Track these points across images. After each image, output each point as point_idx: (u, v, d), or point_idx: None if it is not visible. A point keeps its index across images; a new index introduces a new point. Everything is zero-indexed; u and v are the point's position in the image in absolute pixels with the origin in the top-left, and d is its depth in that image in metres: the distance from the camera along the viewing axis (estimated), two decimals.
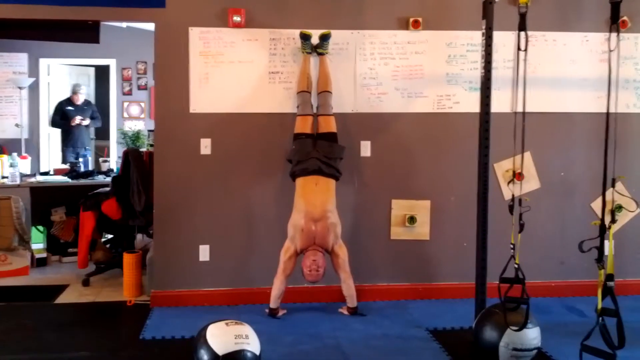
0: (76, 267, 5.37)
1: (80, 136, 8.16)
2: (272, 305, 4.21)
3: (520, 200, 3.46)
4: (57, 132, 8.63)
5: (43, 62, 8.53)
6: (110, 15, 4.55)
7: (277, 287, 4.19)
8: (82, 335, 3.96)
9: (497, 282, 3.40)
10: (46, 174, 6.38)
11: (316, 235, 4.12)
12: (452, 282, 4.66)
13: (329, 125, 4.32)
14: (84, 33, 5.58)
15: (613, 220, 3.23)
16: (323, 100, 4.36)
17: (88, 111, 8.18)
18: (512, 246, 3.44)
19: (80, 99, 8.11)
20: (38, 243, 5.80)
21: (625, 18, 4.59)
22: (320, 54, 4.42)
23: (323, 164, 4.17)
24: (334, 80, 4.45)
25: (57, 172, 6.30)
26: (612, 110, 3.25)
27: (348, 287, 4.24)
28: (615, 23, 3.20)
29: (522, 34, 3.48)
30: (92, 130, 8.60)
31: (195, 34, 4.42)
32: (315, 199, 4.13)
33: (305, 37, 4.32)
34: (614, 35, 3.17)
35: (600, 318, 3.06)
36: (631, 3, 4.34)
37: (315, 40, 4.38)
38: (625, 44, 4.58)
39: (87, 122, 8.08)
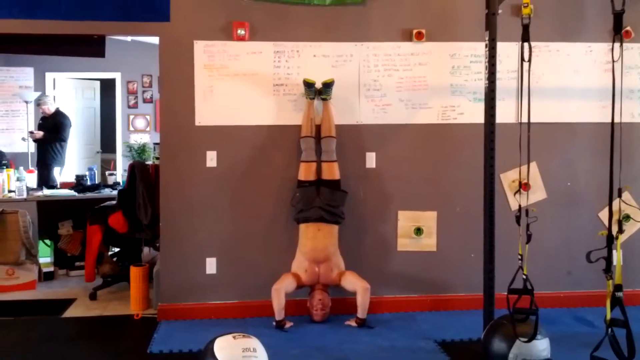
0: (83, 280, 5.39)
1: (38, 151, 7.51)
2: (278, 317, 4.22)
3: (527, 211, 3.46)
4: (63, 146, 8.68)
5: (49, 76, 8.61)
6: (116, 30, 4.61)
7: (278, 300, 4.21)
8: (90, 350, 3.95)
9: (505, 293, 3.39)
10: (53, 187, 6.41)
11: (320, 275, 4.33)
12: (460, 294, 4.64)
13: (332, 173, 4.40)
14: (90, 47, 5.63)
15: (621, 231, 3.22)
16: (327, 146, 4.42)
17: (52, 123, 7.40)
18: (519, 257, 3.44)
19: (47, 111, 7.39)
20: (45, 257, 5.81)
21: (628, 28, 4.59)
22: (323, 99, 4.46)
23: (325, 212, 4.33)
24: (338, 91, 4.47)
25: (64, 185, 6.32)
26: (617, 120, 3.25)
27: (361, 297, 4.26)
28: (618, 33, 3.21)
29: (526, 44, 3.49)
30: (59, 145, 7.51)
31: (200, 47, 4.44)
32: (318, 244, 4.33)
33: (309, 85, 4.37)
34: (617, 45, 3.17)
35: (610, 329, 3.05)
36: (634, 13, 4.35)
37: (318, 85, 4.41)
38: (629, 54, 4.57)
39: (37, 135, 7.30)
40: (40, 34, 4.53)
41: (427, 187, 4.65)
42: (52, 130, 7.37)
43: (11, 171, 5.96)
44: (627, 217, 4.36)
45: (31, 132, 7.41)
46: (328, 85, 4.41)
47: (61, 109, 7.66)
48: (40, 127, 7.50)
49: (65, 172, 8.42)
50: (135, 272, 4.76)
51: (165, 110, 4.51)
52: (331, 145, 4.43)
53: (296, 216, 4.40)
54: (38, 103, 7.45)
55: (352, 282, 4.30)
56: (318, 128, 4.48)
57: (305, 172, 4.42)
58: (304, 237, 4.37)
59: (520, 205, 3.58)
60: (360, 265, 4.42)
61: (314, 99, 4.45)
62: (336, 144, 4.44)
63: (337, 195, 4.40)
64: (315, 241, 4.33)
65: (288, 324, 4.25)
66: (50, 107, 7.45)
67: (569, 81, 4.67)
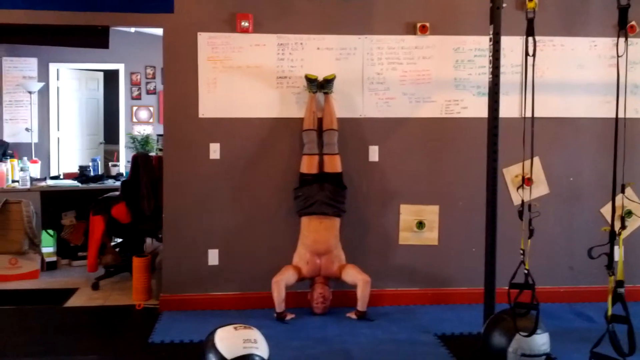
0: (86, 270, 5.41)
1: None
2: (278, 309, 4.24)
3: (529, 206, 3.45)
4: (67, 136, 8.70)
5: (52, 67, 8.59)
6: (120, 21, 4.60)
7: (278, 292, 4.23)
8: (91, 339, 3.99)
9: (506, 288, 3.39)
10: (56, 178, 6.42)
11: (321, 267, 4.37)
12: (460, 288, 4.65)
13: (334, 165, 4.43)
14: (93, 38, 5.60)
15: (623, 227, 3.22)
16: (328, 138, 4.44)
17: None
18: (521, 251, 3.43)
19: None
20: (48, 247, 5.83)
21: (633, 23, 4.58)
22: (325, 93, 4.47)
23: (328, 205, 4.36)
24: (342, 85, 4.48)
25: (67, 176, 6.34)
26: (620, 115, 3.24)
27: (361, 290, 4.28)
28: (623, 29, 3.20)
29: (530, 39, 3.47)
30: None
31: (204, 39, 4.44)
32: (320, 237, 4.37)
33: (310, 80, 4.40)
34: (622, 40, 3.16)
35: (610, 325, 3.05)
36: (639, 8, 4.33)
37: (320, 79, 4.43)
38: (633, 49, 4.56)
39: None
40: (44, 25, 4.52)
41: (430, 181, 4.65)
42: None
43: (15, 161, 5.98)
44: (630, 213, 4.35)
45: None
46: (329, 81, 4.43)
47: None
48: None
49: (69, 162, 8.47)
50: (137, 263, 4.78)
51: (168, 101, 4.51)
52: (333, 138, 4.44)
53: (299, 209, 4.42)
54: None
55: (353, 275, 4.32)
56: (320, 121, 4.48)
57: (308, 165, 4.43)
58: (306, 230, 4.39)
59: (522, 200, 3.58)
60: (362, 258, 4.43)
61: (316, 92, 4.46)
62: (339, 137, 4.45)
63: (338, 190, 4.42)
64: (318, 234, 4.36)
65: (289, 316, 4.27)
66: None
67: (573, 76, 4.66)
